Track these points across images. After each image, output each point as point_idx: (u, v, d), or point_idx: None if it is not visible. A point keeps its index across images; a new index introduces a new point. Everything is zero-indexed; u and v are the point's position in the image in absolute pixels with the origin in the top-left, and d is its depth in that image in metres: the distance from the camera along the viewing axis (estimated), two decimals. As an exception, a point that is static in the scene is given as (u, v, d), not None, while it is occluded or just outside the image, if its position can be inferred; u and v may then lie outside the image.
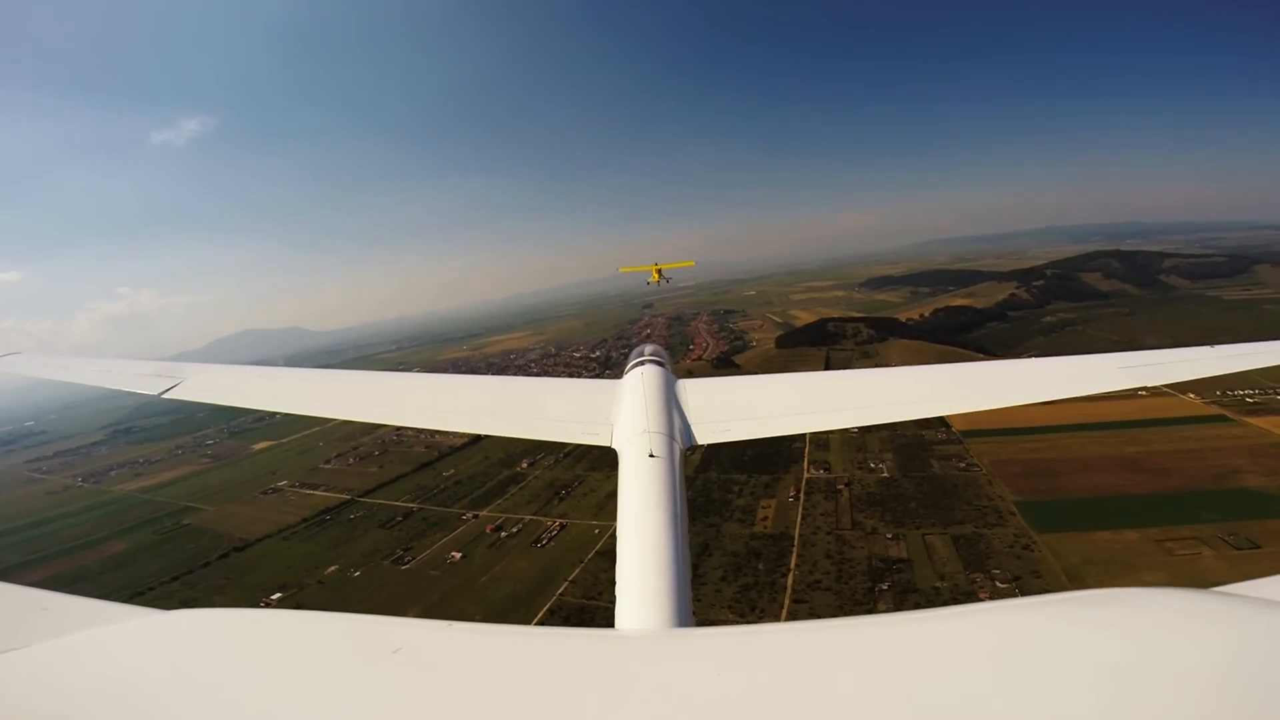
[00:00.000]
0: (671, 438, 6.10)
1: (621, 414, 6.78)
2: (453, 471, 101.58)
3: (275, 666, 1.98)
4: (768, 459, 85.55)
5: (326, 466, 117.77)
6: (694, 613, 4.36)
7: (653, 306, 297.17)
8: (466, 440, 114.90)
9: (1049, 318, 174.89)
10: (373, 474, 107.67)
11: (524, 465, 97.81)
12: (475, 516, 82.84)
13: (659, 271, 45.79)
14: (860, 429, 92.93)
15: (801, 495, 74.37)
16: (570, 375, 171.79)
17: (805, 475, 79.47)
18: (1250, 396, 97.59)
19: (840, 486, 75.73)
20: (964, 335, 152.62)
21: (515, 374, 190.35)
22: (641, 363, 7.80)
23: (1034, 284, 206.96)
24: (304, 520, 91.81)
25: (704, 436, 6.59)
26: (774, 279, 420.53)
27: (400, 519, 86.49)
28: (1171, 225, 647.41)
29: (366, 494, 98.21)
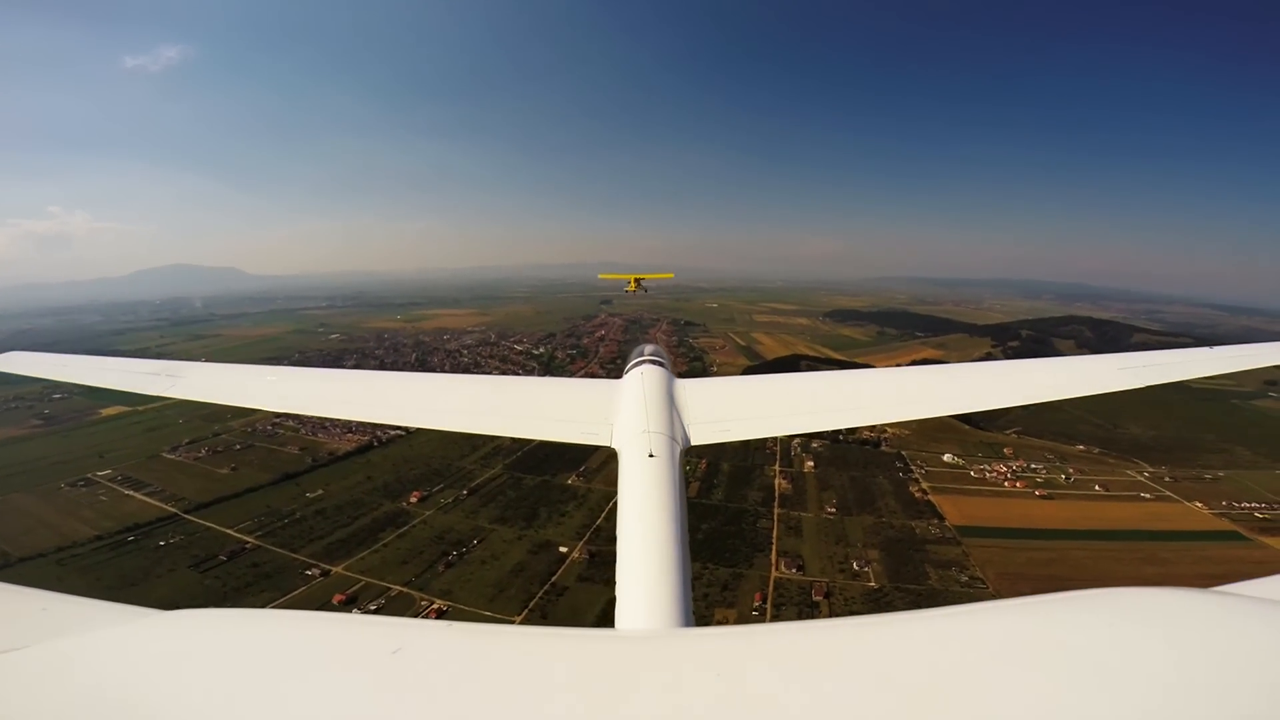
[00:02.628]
0: (671, 438, 5.99)
1: (621, 414, 6.65)
2: (321, 492, 78.32)
3: (276, 667, 1.99)
4: (726, 541, 66.55)
5: (169, 455, 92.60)
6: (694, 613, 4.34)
7: (611, 303, 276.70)
8: (354, 447, 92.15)
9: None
10: (220, 478, 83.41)
11: (413, 499, 75.71)
12: (325, 574, 60.51)
13: (637, 281, 46.27)
14: (839, 510, 75.73)
15: (769, 604, 56.01)
16: (503, 371, 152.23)
17: (774, 573, 61.10)
18: (1259, 511, 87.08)
19: (818, 597, 57.75)
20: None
21: (442, 358, 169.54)
22: (641, 362, 7.73)
23: (1009, 344, 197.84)
24: (99, 538, 67.87)
25: (704, 436, 6.42)
26: (736, 294, 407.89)
27: (224, 559, 63.39)
28: (1116, 292, 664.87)
29: (198, 509, 74.35)
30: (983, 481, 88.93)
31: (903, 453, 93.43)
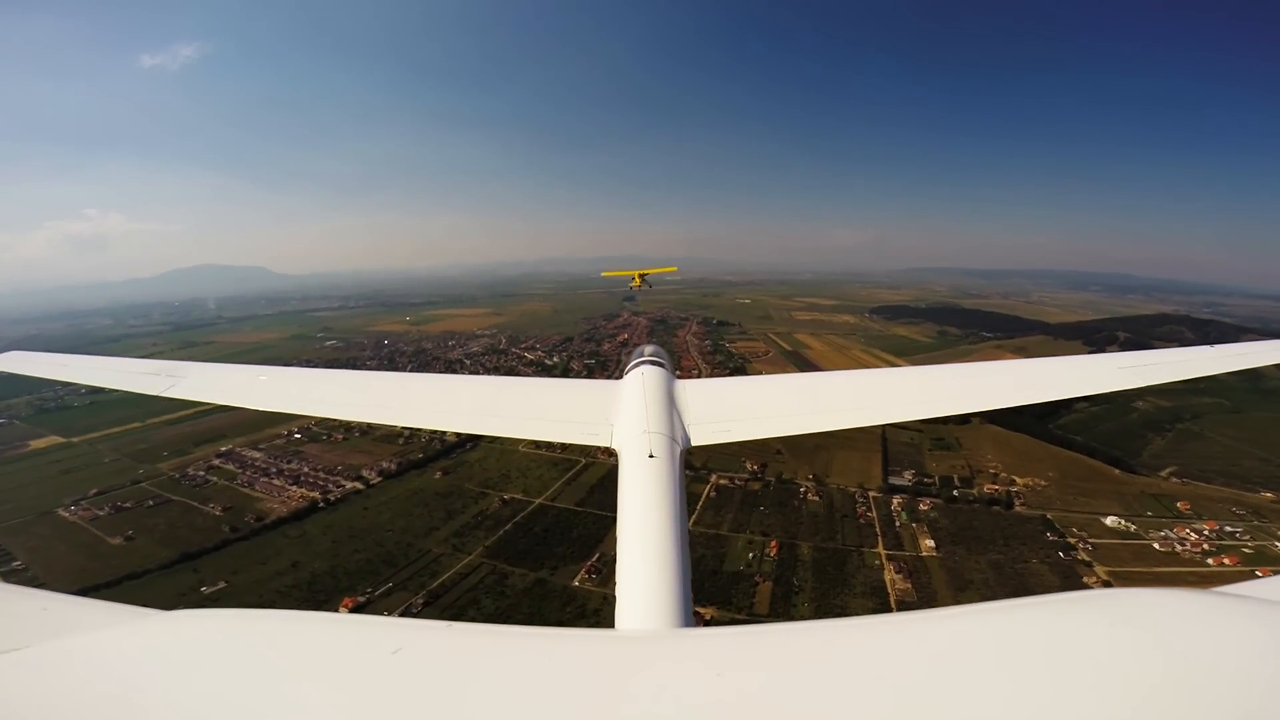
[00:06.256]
0: (671, 438, 5.93)
1: (621, 414, 6.58)
2: (222, 585, 54.23)
3: (276, 667, 2.00)
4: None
5: (65, 513, 70.38)
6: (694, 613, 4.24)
7: (635, 300, 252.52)
8: (290, 510, 68.55)
9: (1141, 402, 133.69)
10: (104, 554, 60.79)
11: (343, 608, 50.99)
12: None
13: (641, 277, 48.76)
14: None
15: None
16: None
17: None
18: None
19: None
20: (1058, 420, 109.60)
21: (439, 370, 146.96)
22: (641, 363, 7.64)
23: (1106, 349, 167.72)
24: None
25: (704, 437, 6.31)
26: (766, 287, 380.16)
27: None
28: (1166, 283, 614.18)
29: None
30: (1176, 558, 62.02)
31: (1048, 516, 66.82)
